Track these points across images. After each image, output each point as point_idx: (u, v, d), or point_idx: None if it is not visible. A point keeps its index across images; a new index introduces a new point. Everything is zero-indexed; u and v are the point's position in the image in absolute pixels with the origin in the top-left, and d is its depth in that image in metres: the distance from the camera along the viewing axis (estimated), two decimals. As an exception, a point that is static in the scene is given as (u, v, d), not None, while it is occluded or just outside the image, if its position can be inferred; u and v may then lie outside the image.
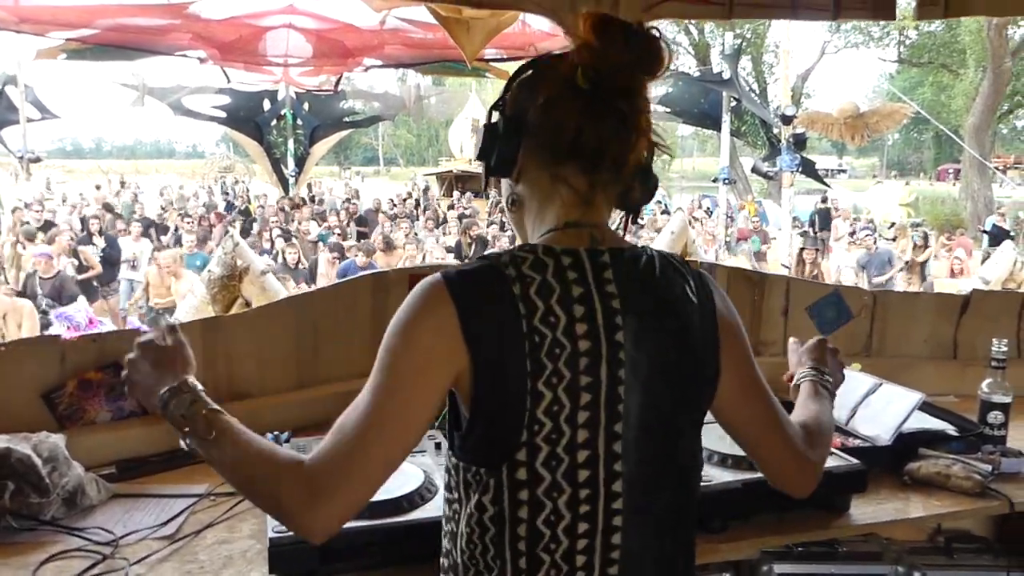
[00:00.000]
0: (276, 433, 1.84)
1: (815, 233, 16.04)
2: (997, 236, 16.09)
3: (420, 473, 1.63)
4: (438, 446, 1.82)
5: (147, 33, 9.71)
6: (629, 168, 1.11)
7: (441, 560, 1.18)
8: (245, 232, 12.97)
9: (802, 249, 11.25)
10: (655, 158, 1.16)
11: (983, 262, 15.40)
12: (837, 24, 27.58)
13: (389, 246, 9.85)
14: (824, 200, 18.51)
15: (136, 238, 11.31)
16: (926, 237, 13.18)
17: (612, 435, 1.06)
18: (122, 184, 23.62)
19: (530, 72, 1.14)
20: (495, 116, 1.14)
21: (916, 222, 18.92)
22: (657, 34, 1.09)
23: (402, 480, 1.60)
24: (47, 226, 11.27)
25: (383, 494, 1.51)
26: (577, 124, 1.07)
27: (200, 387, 1.18)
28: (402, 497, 1.52)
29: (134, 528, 1.63)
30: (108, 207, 16.11)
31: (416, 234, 13.25)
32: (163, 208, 18.10)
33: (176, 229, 13.48)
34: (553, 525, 1.05)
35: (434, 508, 1.53)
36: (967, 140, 22.38)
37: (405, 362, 1.06)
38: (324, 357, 2.30)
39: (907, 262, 12.05)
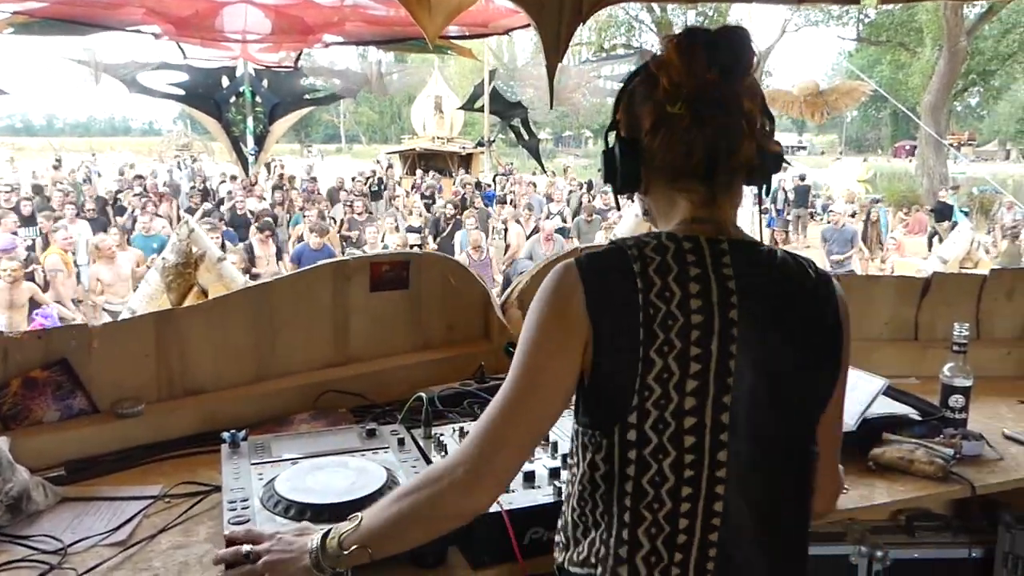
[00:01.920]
0: (233, 431, 1.79)
1: (779, 211, 16.19)
2: (942, 212, 16.38)
3: (382, 471, 1.59)
4: (401, 442, 1.78)
5: (98, 7, 9.42)
6: (743, 167, 1.17)
7: (557, 527, 1.27)
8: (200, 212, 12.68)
9: (772, 230, 11.34)
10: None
11: (930, 239, 15.72)
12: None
13: (323, 231, 9.71)
14: (802, 178, 18.68)
15: (71, 220, 10.82)
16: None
17: (720, 406, 1.12)
18: (58, 162, 22.85)
19: (631, 95, 1.20)
20: (611, 139, 1.22)
21: (874, 198, 19.19)
22: (740, 35, 1.15)
23: (364, 479, 1.56)
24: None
25: (344, 496, 1.48)
26: (684, 145, 1.14)
27: (316, 547, 1.24)
28: (365, 498, 1.48)
29: (84, 534, 1.56)
30: (38, 189, 15.62)
31: (371, 214, 13.10)
32: (120, 188, 17.66)
33: (133, 210, 13.17)
34: (658, 486, 1.12)
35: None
36: (923, 118, 22.65)
37: (540, 337, 1.14)
38: (283, 349, 2.24)
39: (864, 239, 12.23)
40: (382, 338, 2.39)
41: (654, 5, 25.90)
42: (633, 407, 1.11)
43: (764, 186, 1.23)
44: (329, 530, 1.23)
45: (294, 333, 2.25)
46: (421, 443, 1.80)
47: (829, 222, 12.63)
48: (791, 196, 18.28)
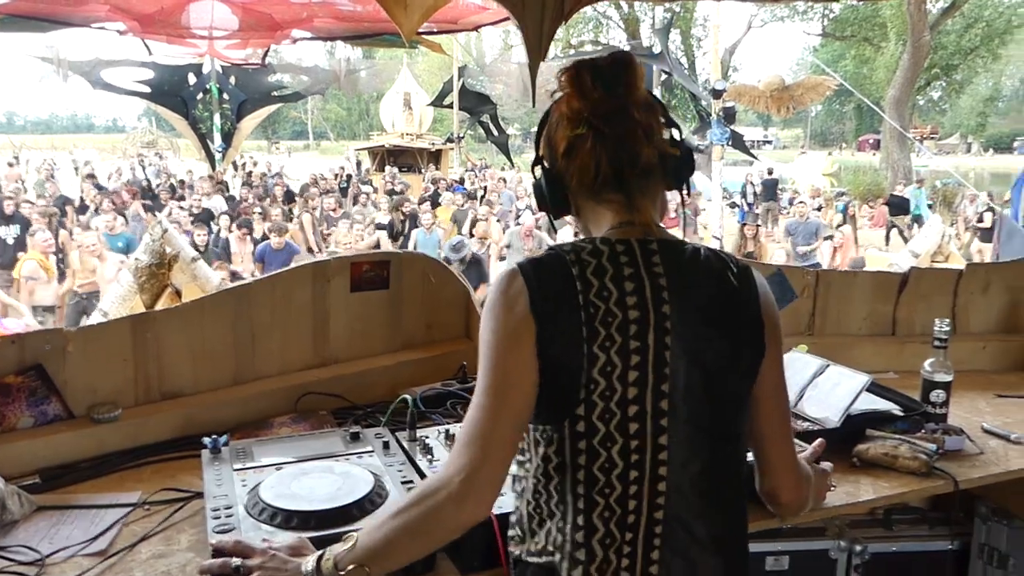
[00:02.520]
0: (214, 436, 1.75)
1: (750, 205, 16.30)
2: (899, 205, 16.63)
3: (369, 477, 1.57)
4: (386, 445, 1.76)
5: (61, 3, 9.23)
6: (652, 166, 1.27)
7: (511, 522, 1.34)
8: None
9: (743, 224, 11.40)
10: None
11: (887, 232, 15.95)
12: (764, -3, 27.92)
13: (281, 230, 9.61)
14: (770, 172, 18.83)
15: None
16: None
17: (659, 393, 1.21)
18: (15, 159, 22.36)
19: (548, 129, 1.33)
20: (539, 172, 1.34)
21: (840, 191, 19.41)
22: (620, 58, 1.28)
23: (351, 485, 1.53)
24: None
25: (331, 502, 1.46)
26: (593, 160, 1.25)
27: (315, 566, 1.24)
28: (352, 504, 1.46)
29: (62, 544, 1.52)
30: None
31: (347, 212, 12.98)
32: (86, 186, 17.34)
33: (96, 209, 12.94)
34: (608, 471, 1.21)
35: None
36: (887, 111, 22.96)
37: (497, 338, 1.21)
38: (262, 351, 2.20)
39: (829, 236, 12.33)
40: (362, 339, 2.36)
41: (622, 2, 25.98)
42: (581, 400, 1.20)
43: (684, 186, 1.34)
44: (323, 552, 1.24)
45: (273, 335, 2.21)
46: (406, 446, 1.78)
47: (793, 215, 12.75)
48: (759, 190, 18.44)
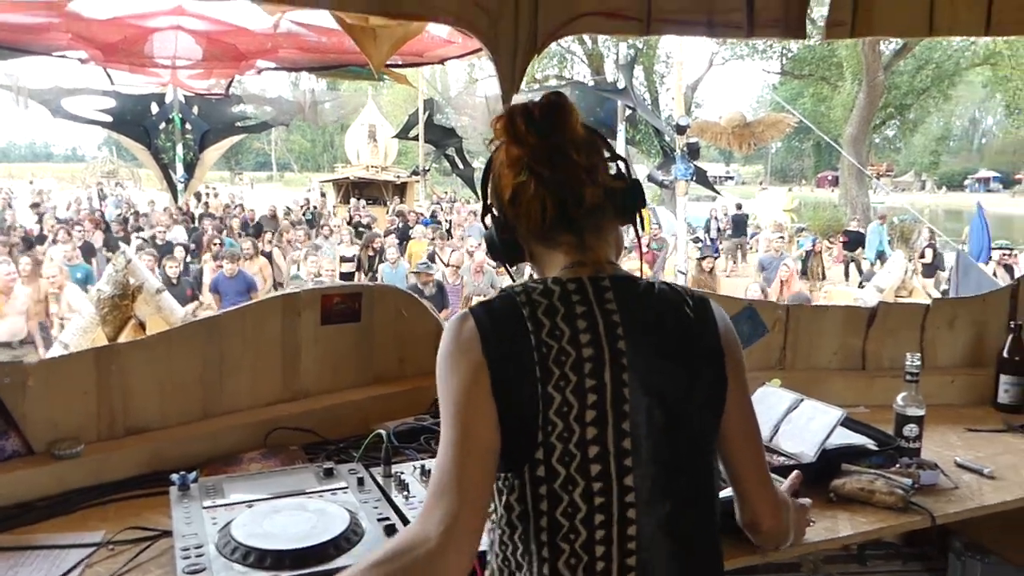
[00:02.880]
0: (183, 473, 1.70)
1: (712, 240, 16.49)
2: (855, 241, 16.97)
3: (345, 514, 1.53)
4: (361, 481, 1.72)
5: (21, 31, 9.11)
6: (599, 204, 1.25)
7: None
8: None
9: (701, 258, 11.52)
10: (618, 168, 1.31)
11: (846, 267, 16.23)
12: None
13: (234, 257, 9.52)
14: (739, 207, 19.07)
15: None
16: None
17: (620, 432, 1.17)
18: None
19: (492, 179, 1.30)
20: (488, 221, 1.32)
21: (800, 227, 19.74)
22: (554, 98, 1.26)
23: (325, 522, 1.49)
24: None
25: (306, 541, 1.42)
26: (538, 205, 1.23)
27: None
28: (328, 542, 1.42)
29: (21, 588, 1.46)
30: None
31: (316, 244, 12.89)
32: (39, 215, 17.05)
33: (53, 239, 12.70)
34: (571, 516, 1.16)
35: (364, 552, 1.43)
36: (845, 149, 23.46)
37: (454, 386, 1.18)
38: (231, 385, 2.15)
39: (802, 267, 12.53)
40: (333, 372, 2.32)
41: (585, 38, 26.35)
42: (539, 443, 1.16)
43: (638, 220, 1.31)
44: None
45: (243, 368, 2.17)
46: (381, 482, 1.74)
47: (767, 251, 12.89)
48: (728, 225, 18.69)
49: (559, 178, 1.22)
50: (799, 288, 11.51)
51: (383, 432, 1.82)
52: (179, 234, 13.41)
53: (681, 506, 1.21)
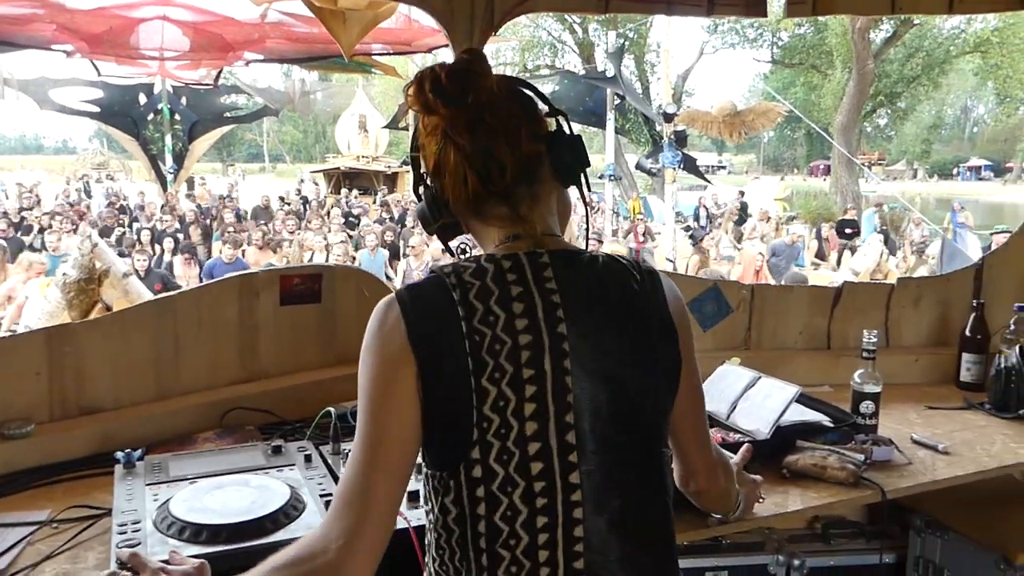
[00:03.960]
0: (128, 451, 1.69)
1: (702, 227, 16.49)
2: (849, 228, 17.01)
3: (286, 489, 1.52)
4: (308, 458, 1.72)
5: (4, 23, 9.05)
6: (530, 171, 1.16)
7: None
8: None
9: (699, 240, 11.54)
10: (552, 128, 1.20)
11: (839, 255, 16.28)
12: (715, 25, 28.55)
13: (236, 243, 9.47)
14: (741, 194, 19.01)
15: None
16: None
17: (564, 426, 1.08)
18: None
19: (416, 151, 1.21)
20: (421, 192, 1.22)
21: (791, 215, 19.76)
22: (464, 59, 1.16)
23: (265, 497, 1.49)
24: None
25: (243, 515, 1.41)
26: (460, 176, 1.14)
27: None
28: (264, 517, 1.42)
29: (-41, 564, 1.46)
30: None
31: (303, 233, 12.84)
32: (25, 207, 16.95)
33: (41, 229, 12.66)
34: (511, 520, 1.07)
35: (303, 527, 1.43)
36: (835, 138, 23.45)
37: (370, 380, 1.09)
38: (187, 365, 2.14)
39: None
40: (293, 353, 2.32)
41: (576, 27, 26.31)
42: (474, 441, 1.07)
43: (583, 182, 1.22)
44: None
45: (199, 349, 2.16)
46: (329, 459, 1.74)
47: (762, 239, 12.89)
48: (717, 213, 18.66)
49: (478, 146, 1.13)
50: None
51: (332, 410, 1.82)
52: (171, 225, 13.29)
53: (632, 501, 1.14)
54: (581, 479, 1.09)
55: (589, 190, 1.24)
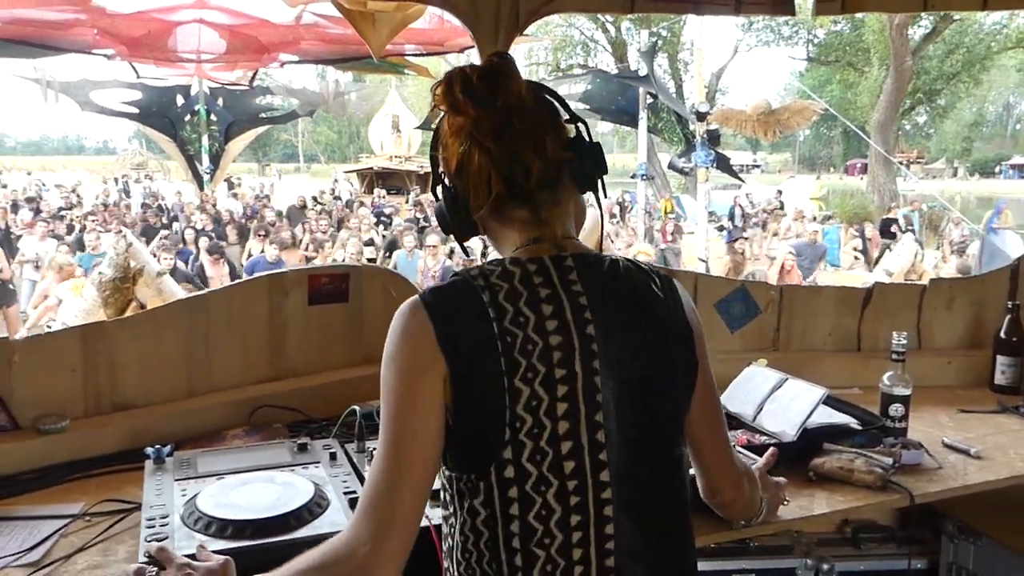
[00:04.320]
0: (158, 447, 1.72)
1: (736, 226, 16.34)
2: (889, 228, 16.77)
3: (310, 486, 1.54)
4: (333, 456, 1.74)
5: (48, 27, 9.25)
6: (552, 175, 1.17)
7: None
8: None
9: (732, 240, 11.43)
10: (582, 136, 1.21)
11: (880, 254, 16.05)
12: (749, 23, 28.30)
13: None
14: (779, 193, 18.81)
15: (42, 237, 10.73)
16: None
17: (594, 424, 1.10)
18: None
19: (439, 145, 1.21)
20: (440, 192, 1.22)
21: (827, 215, 19.52)
22: (495, 61, 1.16)
23: (290, 494, 1.51)
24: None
25: (268, 511, 1.43)
26: (484, 177, 1.14)
27: None
28: (289, 513, 1.43)
29: (-5, 556, 1.49)
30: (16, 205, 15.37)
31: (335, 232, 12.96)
32: (67, 206, 17.30)
33: (82, 229, 12.91)
34: (545, 520, 1.08)
35: (327, 524, 1.45)
36: (872, 136, 23.16)
37: (395, 384, 1.09)
38: (217, 363, 2.18)
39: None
40: (321, 352, 2.34)
41: (608, 26, 26.21)
42: (506, 441, 1.07)
43: (600, 188, 1.23)
44: None
45: (229, 347, 2.19)
46: (354, 457, 1.75)
47: (797, 237, 12.75)
48: (752, 212, 18.50)
49: (505, 150, 1.13)
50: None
51: (357, 409, 1.84)
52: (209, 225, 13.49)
53: (655, 499, 1.16)
54: (610, 478, 1.10)
55: (605, 196, 1.26)
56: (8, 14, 8.71)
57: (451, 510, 1.16)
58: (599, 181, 1.22)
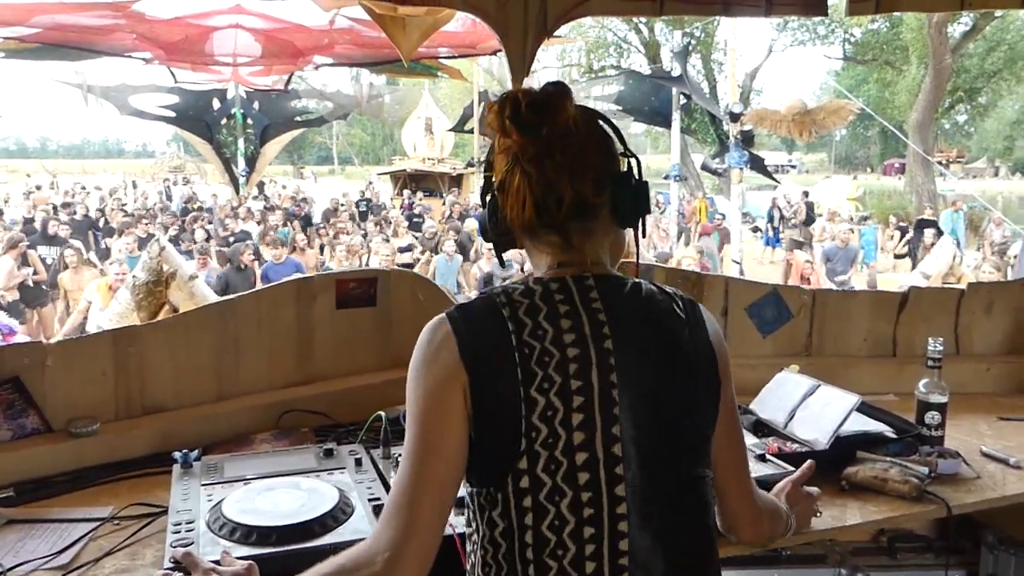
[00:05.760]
0: (185, 451, 1.73)
1: (775, 230, 16.09)
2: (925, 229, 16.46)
3: (335, 492, 1.54)
4: (359, 462, 1.73)
5: (89, 32, 9.44)
6: (586, 207, 1.18)
7: None
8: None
9: (774, 250, 11.28)
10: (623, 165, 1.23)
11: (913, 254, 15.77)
12: (784, 22, 28.00)
13: (279, 243, 9.63)
14: (806, 194, 18.58)
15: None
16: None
17: (610, 437, 1.10)
18: (52, 184, 22.90)
19: (485, 161, 1.25)
20: (487, 200, 1.24)
21: (863, 215, 19.26)
22: (549, 90, 1.17)
23: (315, 501, 1.51)
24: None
25: (292, 518, 1.43)
26: (520, 201, 1.17)
27: None
28: (313, 520, 1.43)
29: (26, 558, 1.50)
30: (57, 208, 15.65)
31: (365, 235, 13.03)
32: (103, 209, 17.56)
33: (122, 232, 13.10)
34: (558, 530, 1.09)
35: (350, 531, 1.45)
36: (911, 135, 22.79)
37: (421, 395, 1.12)
38: (246, 367, 2.19)
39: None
40: (349, 356, 2.34)
41: (641, 27, 26.09)
42: (522, 451, 1.09)
43: (640, 225, 1.24)
44: None
45: (258, 351, 2.21)
46: (380, 464, 1.75)
47: (832, 239, 12.54)
48: (790, 214, 18.25)
49: (543, 179, 1.16)
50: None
51: (383, 415, 1.84)
52: (250, 228, 13.62)
53: (675, 516, 1.15)
54: (626, 492, 1.10)
55: (644, 236, 1.26)
56: (51, 20, 8.91)
57: (473, 527, 1.17)
58: (640, 220, 1.23)
